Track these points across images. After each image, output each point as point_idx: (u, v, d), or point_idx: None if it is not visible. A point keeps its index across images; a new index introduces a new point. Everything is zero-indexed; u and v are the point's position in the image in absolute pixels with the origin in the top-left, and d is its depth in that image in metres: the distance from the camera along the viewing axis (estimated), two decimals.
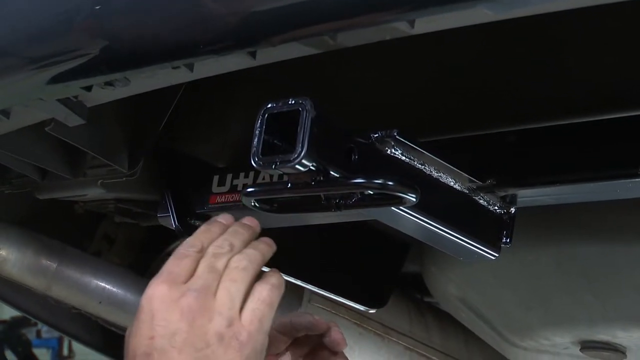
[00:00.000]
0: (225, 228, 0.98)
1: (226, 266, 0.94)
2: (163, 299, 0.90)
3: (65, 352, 5.51)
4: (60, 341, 5.50)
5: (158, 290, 0.91)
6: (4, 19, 1.04)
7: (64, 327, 1.99)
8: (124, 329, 1.89)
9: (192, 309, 0.89)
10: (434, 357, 1.95)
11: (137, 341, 0.90)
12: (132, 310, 1.59)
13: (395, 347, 1.90)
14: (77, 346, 4.82)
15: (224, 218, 1.00)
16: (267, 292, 0.94)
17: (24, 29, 1.03)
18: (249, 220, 1.00)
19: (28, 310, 1.94)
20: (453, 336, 2.00)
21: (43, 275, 1.50)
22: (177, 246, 1.75)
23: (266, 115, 0.95)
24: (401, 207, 1.00)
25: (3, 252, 1.46)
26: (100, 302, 1.56)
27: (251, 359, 0.91)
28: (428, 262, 1.68)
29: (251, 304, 0.93)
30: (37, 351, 5.23)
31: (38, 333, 5.27)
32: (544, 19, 0.83)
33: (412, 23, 0.85)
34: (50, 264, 1.50)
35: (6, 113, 1.15)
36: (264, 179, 1.27)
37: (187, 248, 0.95)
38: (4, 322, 5.03)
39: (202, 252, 0.94)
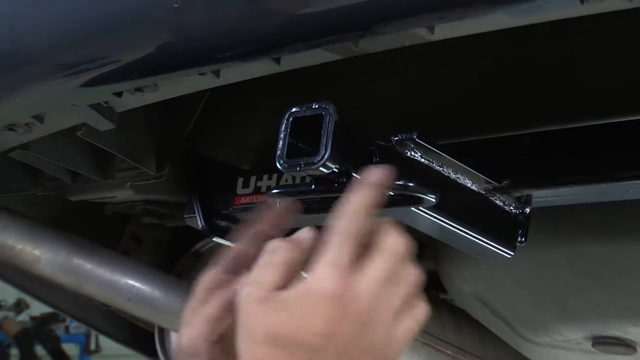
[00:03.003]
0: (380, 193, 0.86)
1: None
2: (334, 295, 0.80)
3: (92, 346, 5.52)
4: (87, 336, 5.52)
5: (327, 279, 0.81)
6: (38, 27, 1.05)
7: (94, 323, 2.00)
8: (151, 325, 1.90)
9: (363, 318, 0.81)
10: (449, 352, 1.94)
11: (286, 328, 0.80)
12: (159, 306, 1.61)
13: (412, 342, 1.90)
14: (104, 341, 4.84)
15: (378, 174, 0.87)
16: (424, 313, 0.87)
17: (58, 37, 1.03)
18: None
19: (59, 306, 1.95)
20: (467, 332, 1.99)
21: (74, 274, 1.50)
22: (202, 246, 1.77)
23: (291, 119, 0.94)
24: (420, 208, 0.99)
25: (36, 252, 1.46)
26: (129, 299, 1.56)
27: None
28: (444, 261, 1.67)
29: (410, 322, 0.85)
30: (65, 346, 5.25)
31: (67, 329, 5.28)
32: (558, 26, 0.83)
33: (431, 29, 0.85)
34: (82, 263, 1.50)
35: (40, 118, 1.16)
36: (286, 180, 1.27)
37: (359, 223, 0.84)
38: (34, 318, 5.05)
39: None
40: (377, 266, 0.83)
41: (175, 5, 0.93)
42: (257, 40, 0.92)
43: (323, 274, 0.81)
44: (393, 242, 0.85)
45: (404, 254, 0.86)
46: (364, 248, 0.83)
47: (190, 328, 0.93)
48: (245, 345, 0.82)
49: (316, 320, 0.79)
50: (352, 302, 0.80)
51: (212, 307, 0.93)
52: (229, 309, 0.92)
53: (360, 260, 0.82)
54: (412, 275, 0.85)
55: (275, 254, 0.84)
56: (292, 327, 0.80)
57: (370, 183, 0.86)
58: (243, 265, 0.90)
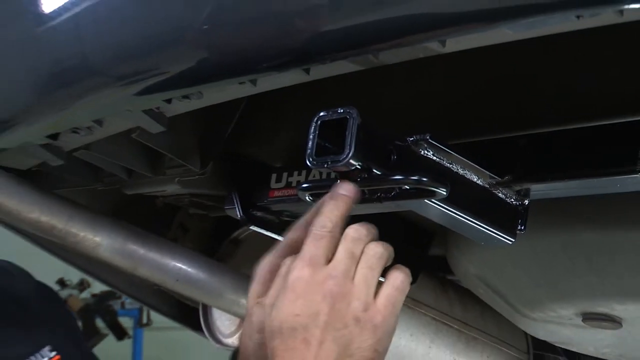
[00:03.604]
0: (349, 202, 0.92)
1: (362, 252, 0.90)
2: (308, 282, 0.86)
3: (144, 320, 5.53)
4: (140, 311, 5.52)
5: (303, 273, 0.87)
6: (100, 44, 1.05)
7: (146, 300, 2.00)
8: (195, 302, 1.90)
9: (333, 293, 0.86)
10: (455, 326, 1.93)
11: (283, 316, 0.86)
12: (203, 286, 1.61)
13: (423, 318, 1.89)
14: (154, 315, 4.86)
15: (346, 190, 0.93)
16: (401, 280, 0.91)
17: (116, 51, 1.03)
18: None
19: (116, 286, 1.96)
20: (471, 308, 1.98)
21: (130, 258, 1.50)
22: (239, 233, 1.77)
23: (319, 122, 0.94)
24: (433, 200, 0.99)
25: (97, 239, 1.46)
26: (177, 280, 1.56)
27: (383, 340, 0.88)
28: (451, 247, 1.66)
29: (386, 289, 0.90)
30: (121, 319, 5.27)
31: (122, 304, 5.29)
32: (554, 38, 0.81)
33: (443, 43, 0.84)
34: (136, 249, 1.50)
35: (100, 122, 1.16)
36: (314, 176, 1.26)
37: (320, 229, 0.89)
38: (94, 295, 5.07)
39: (333, 231, 0.90)
40: (340, 251, 0.89)
41: (205, 27, 0.93)
42: (289, 54, 0.91)
43: (300, 267, 0.87)
44: (351, 231, 0.90)
45: (364, 237, 0.90)
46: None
47: (262, 308, 0.94)
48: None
49: (298, 305, 0.86)
50: (323, 285, 0.86)
51: None
52: None
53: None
54: (378, 250, 0.90)
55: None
56: (281, 317, 0.86)
57: (340, 195, 0.92)
58: (296, 251, 0.93)
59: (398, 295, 0.90)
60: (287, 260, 0.91)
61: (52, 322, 0.97)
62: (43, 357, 0.91)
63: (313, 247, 0.89)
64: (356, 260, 0.88)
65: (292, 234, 0.97)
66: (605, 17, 0.76)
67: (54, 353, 0.92)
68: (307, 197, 1.04)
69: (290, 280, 0.87)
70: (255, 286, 0.98)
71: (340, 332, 0.85)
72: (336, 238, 0.89)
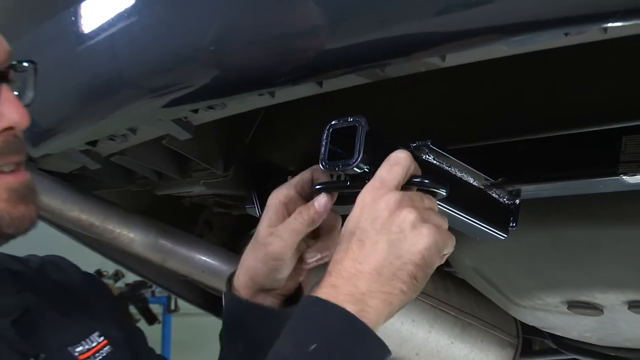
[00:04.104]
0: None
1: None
2: (373, 195, 0.86)
3: (172, 307, 5.54)
4: (169, 299, 5.53)
5: (372, 188, 0.87)
6: (131, 59, 1.04)
7: (174, 289, 2.00)
8: (219, 291, 1.89)
9: (395, 202, 0.85)
10: (452, 313, 1.92)
11: (348, 224, 0.87)
12: (226, 277, 1.60)
13: (422, 305, 1.88)
14: (181, 303, 4.86)
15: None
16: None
17: (148, 67, 1.03)
18: None
19: (148, 276, 1.96)
20: (467, 297, 1.96)
21: (160, 252, 1.50)
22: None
23: (330, 129, 0.94)
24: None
25: (131, 235, 1.46)
26: (202, 271, 1.56)
27: (432, 251, 0.86)
28: None
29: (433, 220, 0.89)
30: (152, 306, 5.28)
31: (153, 293, 5.30)
32: (547, 54, 0.80)
33: (443, 58, 0.83)
34: (166, 243, 1.50)
35: (134, 130, 1.16)
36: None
37: (395, 158, 0.88)
38: (128, 285, 5.08)
39: (402, 163, 0.88)
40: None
41: (228, 46, 0.93)
42: (304, 69, 0.91)
43: (371, 185, 0.87)
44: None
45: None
46: None
47: (278, 238, 0.95)
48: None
49: (363, 214, 0.85)
50: (387, 197, 0.85)
51: (297, 223, 0.96)
52: (311, 225, 0.96)
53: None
54: (427, 202, 0.89)
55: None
56: (349, 226, 0.86)
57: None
58: (307, 190, 0.97)
59: (433, 239, 0.87)
60: None
61: (100, 310, 0.97)
62: (92, 342, 0.91)
63: (385, 172, 0.87)
64: (413, 206, 0.87)
65: (307, 173, 0.99)
66: (590, 34, 0.75)
67: (102, 338, 0.92)
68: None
69: (359, 198, 0.87)
70: (270, 215, 0.98)
71: (395, 235, 0.84)
72: (405, 170, 0.88)
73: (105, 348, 0.92)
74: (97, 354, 0.91)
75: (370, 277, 0.81)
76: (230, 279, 1.03)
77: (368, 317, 0.80)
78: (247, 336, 0.93)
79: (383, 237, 0.83)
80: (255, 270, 0.98)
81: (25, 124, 0.83)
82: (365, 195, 0.87)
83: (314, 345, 0.78)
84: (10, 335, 0.84)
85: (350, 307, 0.80)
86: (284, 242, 0.96)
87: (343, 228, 0.88)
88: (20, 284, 0.91)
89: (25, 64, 0.86)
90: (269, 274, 0.97)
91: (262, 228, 0.98)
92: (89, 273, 1.04)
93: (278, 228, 0.96)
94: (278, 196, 0.99)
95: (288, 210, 0.99)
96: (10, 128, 0.82)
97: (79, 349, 0.90)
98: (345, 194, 1.01)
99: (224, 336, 1.03)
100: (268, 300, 1.00)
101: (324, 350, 0.78)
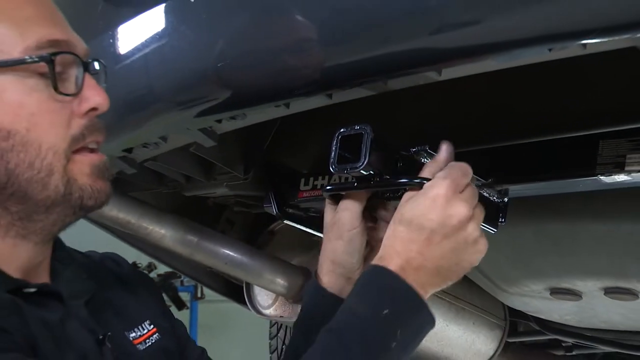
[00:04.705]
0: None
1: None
2: (447, 197, 0.85)
3: (199, 294, 5.54)
4: (195, 287, 5.53)
5: (443, 189, 0.85)
6: (162, 76, 1.04)
7: (200, 279, 1.99)
8: (240, 280, 1.89)
9: (466, 217, 0.85)
10: (446, 299, 1.90)
11: (418, 213, 0.85)
12: (246, 268, 1.61)
13: None
14: (207, 291, 4.87)
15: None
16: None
17: (177, 82, 1.02)
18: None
19: (177, 268, 1.95)
20: (460, 284, 1.94)
21: (188, 246, 1.50)
22: (275, 226, 1.75)
23: (339, 136, 0.93)
24: None
25: (163, 231, 1.46)
26: (225, 263, 1.56)
27: (475, 262, 0.89)
28: None
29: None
30: (181, 294, 5.28)
31: (181, 282, 5.29)
32: (534, 68, 0.80)
33: (439, 72, 0.83)
34: (193, 239, 1.50)
35: (165, 139, 1.15)
36: (335, 180, 1.25)
37: (469, 171, 0.88)
38: (160, 275, 5.09)
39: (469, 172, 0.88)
40: (469, 189, 0.87)
41: (247, 63, 0.93)
42: (315, 83, 0.90)
43: (442, 185, 0.85)
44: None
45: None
46: None
47: (344, 211, 0.96)
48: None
49: (434, 212, 0.84)
50: (456, 206, 0.85)
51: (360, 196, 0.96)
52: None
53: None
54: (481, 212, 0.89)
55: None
56: (416, 212, 0.85)
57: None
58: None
59: (479, 258, 0.89)
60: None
61: (149, 301, 0.97)
62: (144, 329, 0.91)
63: (456, 173, 0.87)
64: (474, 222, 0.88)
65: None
66: (572, 49, 0.74)
67: (152, 326, 0.92)
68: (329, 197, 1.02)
69: (432, 192, 0.85)
70: (329, 208, 0.98)
71: (460, 245, 0.85)
72: (468, 181, 0.88)
73: (155, 335, 0.91)
74: (147, 340, 0.90)
75: (431, 273, 0.85)
76: (315, 273, 1.01)
77: (424, 297, 0.85)
78: (322, 323, 0.90)
79: (449, 243, 0.85)
80: (334, 250, 0.97)
81: (107, 106, 0.82)
82: (439, 193, 0.85)
83: (387, 310, 0.81)
84: (83, 315, 0.83)
85: (416, 289, 0.84)
86: (351, 211, 0.95)
87: (407, 212, 0.86)
88: (86, 273, 0.90)
89: (97, 65, 0.85)
90: (346, 247, 0.96)
91: (329, 217, 0.98)
92: (139, 270, 1.04)
93: (340, 204, 0.96)
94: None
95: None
96: (94, 109, 0.82)
97: (133, 334, 0.89)
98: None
99: (300, 323, 1.00)
100: (346, 291, 0.97)
101: (395, 317, 0.82)
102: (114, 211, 1.41)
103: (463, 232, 0.85)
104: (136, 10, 1.06)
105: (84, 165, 0.81)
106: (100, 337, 0.83)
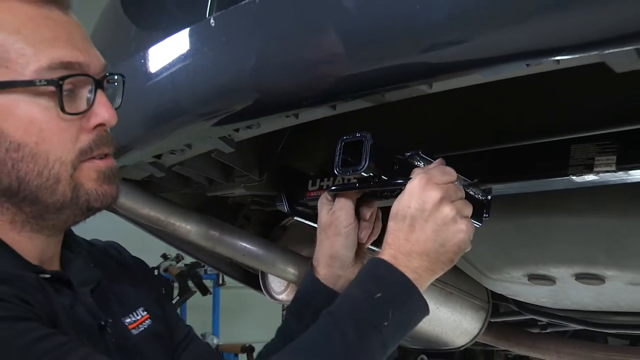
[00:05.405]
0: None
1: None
2: (421, 187, 0.85)
3: (221, 281, 5.54)
4: (217, 276, 5.53)
5: (421, 181, 0.86)
6: (187, 91, 1.04)
7: (222, 268, 1.99)
8: (256, 270, 1.88)
9: (439, 198, 0.85)
10: (438, 285, 1.89)
11: (400, 205, 0.86)
12: (261, 259, 1.60)
13: None
14: (227, 279, 4.87)
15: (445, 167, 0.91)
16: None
17: (200, 97, 1.02)
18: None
19: (201, 258, 1.95)
20: (448, 271, 1.93)
21: (211, 240, 1.49)
22: (286, 222, 1.75)
23: (342, 143, 0.93)
24: None
25: (188, 227, 1.46)
26: (243, 255, 1.55)
27: (465, 244, 0.88)
28: None
29: (466, 212, 0.89)
30: (205, 281, 5.27)
31: (205, 271, 5.29)
32: (513, 81, 0.79)
33: (430, 85, 0.82)
34: (215, 233, 1.49)
35: (189, 146, 1.15)
36: (339, 182, 1.24)
37: (451, 171, 0.89)
38: (186, 265, 5.09)
39: (453, 180, 0.88)
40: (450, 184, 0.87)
41: (260, 79, 0.92)
42: (321, 95, 0.90)
43: (420, 177, 0.86)
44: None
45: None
46: None
47: (340, 210, 0.96)
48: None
49: (412, 201, 0.85)
50: (433, 191, 0.85)
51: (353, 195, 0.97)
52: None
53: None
54: (459, 193, 0.89)
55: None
56: (400, 207, 0.86)
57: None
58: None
59: (466, 236, 0.88)
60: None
61: (144, 288, 0.95)
62: (138, 315, 0.90)
63: (438, 173, 0.87)
64: (453, 203, 0.87)
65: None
66: (546, 65, 0.73)
67: (145, 312, 0.90)
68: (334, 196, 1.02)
69: (410, 186, 0.87)
70: (324, 208, 0.99)
71: (440, 227, 0.85)
72: (451, 181, 0.88)
73: (147, 321, 0.90)
74: (140, 326, 0.89)
75: (420, 257, 0.84)
76: (311, 266, 1.01)
77: (418, 283, 0.84)
78: (315, 311, 0.89)
79: (430, 226, 0.84)
80: (332, 245, 0.97)
81: (114, 122, 0.81)
82: (414, 184, 0.86)
83: (379, 294, 0.82)
84: (89, 302, 0.82)
85: (408, 274, 0.84)
86: (346, 209, 0.96)
87: (394, 208, 0.87)
88: (92, 262, 0.89)
89: (116, 77, 0.84)
90: (345, 241, 0.96)
91: (323, 218, 0.98)
92: (137, 257, 1.02)
93: (336, 204, 0.97)
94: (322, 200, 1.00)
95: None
96: (102, 124, 0.81)
97: (128, 320, 0.88)
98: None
99: (294, 309, 0.99)
100: (339, 284, 0.98)
101: (386, 299, 0.82)
102: (146, 210, 1.41)
103: (439, 213, 0.84)
104: (164, 33, 1.05)
105: (90, 172, 0.80)
106: (102, 323, 0.82)
